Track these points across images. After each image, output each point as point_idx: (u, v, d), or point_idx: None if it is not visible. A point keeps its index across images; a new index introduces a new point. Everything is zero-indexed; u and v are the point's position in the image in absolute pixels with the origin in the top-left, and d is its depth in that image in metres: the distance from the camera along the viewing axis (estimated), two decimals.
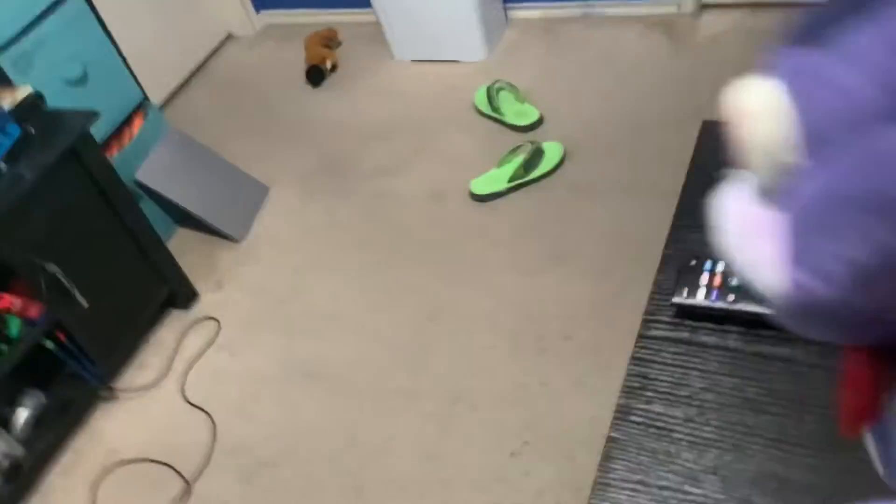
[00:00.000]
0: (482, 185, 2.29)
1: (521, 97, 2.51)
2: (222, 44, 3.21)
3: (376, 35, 2.88)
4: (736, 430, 0.68)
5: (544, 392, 1.81)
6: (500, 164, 2.31)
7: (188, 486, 1.84)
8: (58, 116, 1.88)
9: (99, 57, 2.15)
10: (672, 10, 2.67)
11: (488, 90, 2.51)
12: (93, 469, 1.93)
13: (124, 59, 2.23)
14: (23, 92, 1.88)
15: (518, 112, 2.48)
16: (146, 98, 2.33)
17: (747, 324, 0.74)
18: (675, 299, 0.76)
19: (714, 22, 2.63)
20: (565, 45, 2.75)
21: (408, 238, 2.26)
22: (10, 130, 1.78)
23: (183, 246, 2.37)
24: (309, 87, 2.85)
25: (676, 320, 0.77)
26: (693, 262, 0.78)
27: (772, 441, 0.66)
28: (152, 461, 1.91)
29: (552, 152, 2.30)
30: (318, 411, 1.92)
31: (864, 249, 0.34)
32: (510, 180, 2.26)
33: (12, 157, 1.77)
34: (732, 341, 0.74)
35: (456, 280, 2.11)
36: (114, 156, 2.20)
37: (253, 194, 2.46)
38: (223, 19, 3.17)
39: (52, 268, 1.82)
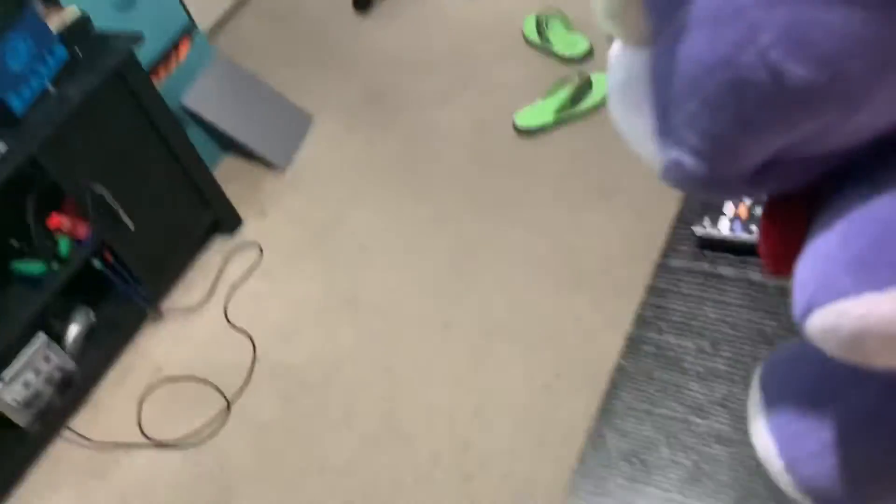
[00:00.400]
0: (527, 118, 2.24)
1: (571, 26, 2.43)
2: None
3: None
4: (748, 364, 0.66)
5: (579, 327, 1.80)
6: (547, 95, 2.25)
7: (228, 403, 1.90)
8: (104, 39, 1.90)
9: None
10: None
11: (538, 19, 2.44)
12: (139, 384, 2.01)
13: None
14: (70, 14, 1.89)
15: (568, 42, 2.40)
16: (193, 24, 2.33)
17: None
18: (697, 229, 0.73)
19: None
20: None
21: (450, 170, 2.24)
22: (58, 53, 1.81)
23: (228, 173, 2.40)
24: (357, 14, 2.81)
25: (697, 251, 0.74)
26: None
27: None
28: (195, 379, 1.98)
29: (601, 84, 2.24)
30: (355, 339, 1.96)
31: (722, 122, 0.33)
32: (557, 112, 2.21)
33: (60, 79, 1.80)
34: (753, 274, 0.71)
35: (496, 214, 2.09)
36: (161, 81, 2.22)
37: (297, 123, 2.46)
38: None
39: (100, 189, 1.86)
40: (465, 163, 2.24)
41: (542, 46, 2.44)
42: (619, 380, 0.68)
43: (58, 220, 1.89)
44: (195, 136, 2.30)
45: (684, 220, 0.76)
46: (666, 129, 0.36)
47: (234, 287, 2.15)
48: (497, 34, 2.57)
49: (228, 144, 2.41)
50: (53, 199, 1.89)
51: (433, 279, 2.01)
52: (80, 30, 1.88)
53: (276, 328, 2.04)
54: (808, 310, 0.37)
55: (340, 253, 2.15)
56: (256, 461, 1.81)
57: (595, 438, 0.65)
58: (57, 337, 1.96)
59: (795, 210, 0.40)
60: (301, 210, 2.29)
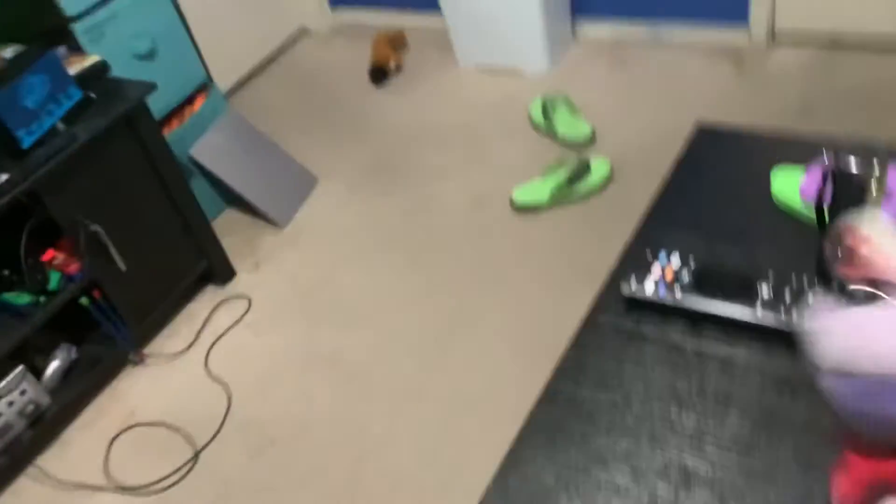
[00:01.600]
0: (524, 195, 2.27)
1: (575, 112, 2.49)
2: (295, 37, 3.30)
3: (443, 40, 2.91)
4: (656, 421, 0.65)
5: None
6: (545, 175, 2.29)
7: (196, 454, 1.88)
8: (119, 85, 1.97)
9: (168, 35, 2.25)
10: (742, 39, 2.61)
11: (544, 102, 2.50)
12: (110, 427, 2.00)
13: (193, 41, 2.33)
14: (90, 60, 1.98)
15: (571, 126, 2.46)
16: (210, 79, 2.42)
17: (692, 319, 0.72)
18: (624, 290, 0.74)
19: (785, 56, 2.55)
20: (628, 66, 2.72)
21: (444, 242, 2.27)
22: (72, 93, 1.88)
23: (229, 225, 2.45)
24: (372, 87, 2.90)
25: (624, 310, 0.75)
26: (648, 254, 0.76)
27: (688, 437, 0.64)
28: (167, 426, 1.97)
29: (599, 169, 2.27)
30: (330, 399, 1.94)
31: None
32: (553, 192, 2.24)
33: (71, 118, 1.87)
34: (675, 335, 0.71)
35: (483, 288, 2.10)
36: (172, 130, 2.29)
37: (302, 183, 2.52)
38: (299, 13, 3.27)
39: (95, 227, 1.90)
40: (460, 236, 2.27)
41: (547, 129, 2.50)
42: (529, 428, 0.67)
43: (52, 254, 1.92)
44: (200, 186, 2.36)
45: (616, 280, 0.76)
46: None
47: (217, 337, 2.15)
48: (504, 114, 2.64)
49: (232, 198, 2.46)
50: (54, 234, 1.93)
51: (414, 347, 2.00)
52: (97, 74, 1.96)
53: (253, 381, 2.03)
54: None
55: (327, 313, 2.16)
56: None
57: (498, 483, 0.64)
58: (37, 371, 1.97)
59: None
60: (294, 267, 2.31)
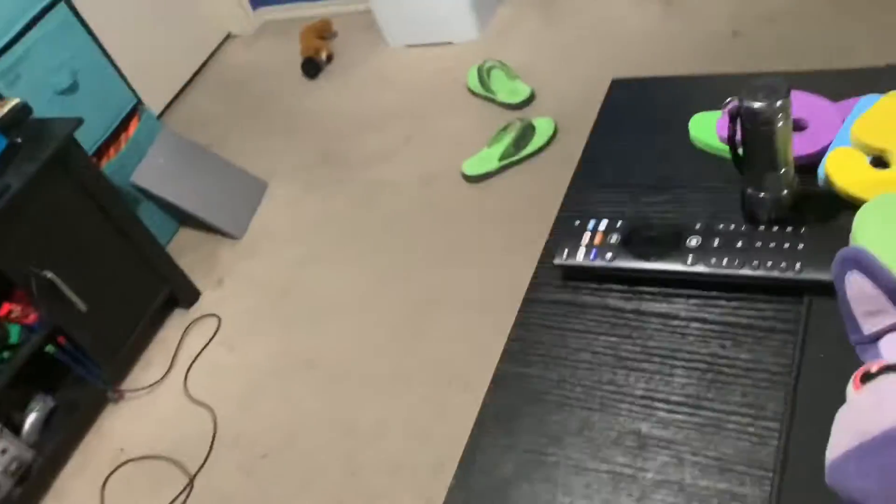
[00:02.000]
0: (474, 166, 2.26)
1: (512, 74, 2.47)
2: (222, 44, 3.24)
3: (370, 23, 2.87)
4: (605, 389, 0.65)
5: None
6: (491, 143, 2.28)
7: (191, 480, 1.87)
8: (44, 125, 1.92)
9: (88, 65, 2.19)
10: None
11: (479, 70, 2.48)
12: (101, 468, 1.98)
13: (115, 66, 2.27)
14: (10, 104, 1.92)
15: (510, 90, 2.44)
16: (140, 101, 2.37)
17: (628, 281, 0.71)
18: (556, 260, 0.73)
19: None
20: (557, 18, 2.69)
21: (402, 224, 2.25)
22: None
23: (185, 245, 2.41)
24: (306, 80, 2.86)
25: (562, 282, 0.74)
26: (577, 222, 0.75)
27: (638, 398, 0.64)
28: (158, 457, 1.95)
29: (543, 128, 2.26)
30: (316, 401, 1.93)
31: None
32: (501, 159, 2.23)
33: (0, 168, 1.82)
34: (612, 300, 0.71)
35: (449, 262, 2.09)
36: (111, 160, 2.25)
37: (251, 190, 2.49)
38: (221, 20, 3.20)
39: (47, 273, 1.86)
40: (417, 215, 2.25)
41: (486, 96, 2.48)
42: (484, 418, 0.67)
43: (8, 308, 1.88)
44: (149, 211, 2.32)
45: (550, 252, 0.76)
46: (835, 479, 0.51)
47: (192, 360, 2.13)
48: (442, 88, 2.61)
49: (183, 217, 2.43)
50: (6, 287, 1.89)
51: (391, 332, 2.00)
52: (20, 118, 1.90)
53: (236, 398, 2.02)
54: None
55: (298, 315, 2.14)
56: None
57: (459, 480, 0.64)
58: (15, 426, 1.94)
59: None
60: (258, 276, 2.29)
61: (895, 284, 0.58)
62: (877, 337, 0.59)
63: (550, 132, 2.26)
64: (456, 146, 2.37)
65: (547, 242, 0.77)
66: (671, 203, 0.78)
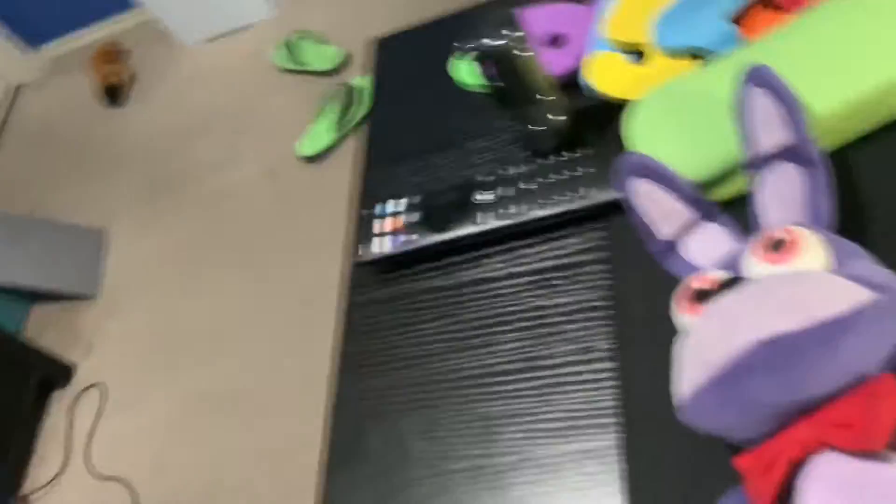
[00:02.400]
0: (308, 146, 2.17)
1: (320, 40, 2.37)
2: (14, 99, 2.98)
3: (160, 30, 2.68)
4: (443, 379, 0.61)
5: None
6: (318, 117, 2.19)
7: None
8: None
9: None
10: None
11: (286, 45, 2.37)
12: None
13: None
14: None
15: (322, 57, 2.34)
16: None
17: (439, 257, 0.67)
18: (362, 257, 0.68)
19: None
20: None
21: (255, 228, 2.15)
22: None
23: (42, 322, 2.24)
24: (112, 109, 2.66)
25: (377, 276, 0.69)
26: (371, 211, 0.70)
27: (476, 378, 0.60)
28: None
29: (366, 87, 2.18)
30: (230, 435, 1.85)
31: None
32: (335, 131, 2.14)
33: None
34: (431, 281, 0.66)
35: (312, 253, 2.01)
36: None
37: (91, 244, 2.32)
38: (4, 74, 2.93)
39: None
40: (267, 214, 2.16)
41: (300, 69, 2.37)
42: (336, 456, 0.62)
43: None
44: None
45: (354, 248, 0.70)
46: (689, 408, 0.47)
47: (88, 438, 2.00)
48: (253, 74, 2.48)
49: (29, 294, 2.25)
50: None
51: (277, 340, 1.92)
52: None
53: (147, 460, 1.91)
54: None
55: (180, 356, 2.04)
56: None
57: None
58: None
59: None
60: (127, 330, 2.15)
61: (678, 182, 0.55)
62: (675, 241, 0.56)
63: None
64: (286, 129, 2.27)
65: (347, 241, 0.71)
66: (459, 160, 0.73)
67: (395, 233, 0.67)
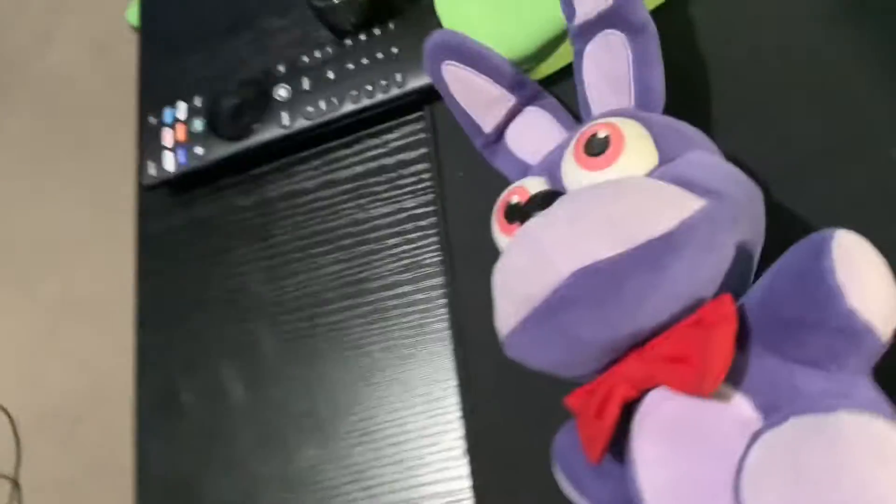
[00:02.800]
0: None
1: None
2: None
3: None
4: (259, 314, 0.54)
5: None
6: None
7: None
8: None
9: None
10: None
11: None
12: None
13: None
14: None
15: None
16: None
17: (238, 169, 0.57)
18: (147, 180, 0.57)
19: None
20: None
21: (88, 113, 1.94)
22: None
23: None
24: None
25: (175, 201, 0.59)
26: (153, 121, 0.59)
27: (296, 311, 0.53)
28: None
29: None
30: (95, 342, 1.75)
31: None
32: None
33: None
34: (232, 200, 0.57)
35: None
36: None
37: None
38: None
39: None
40: (100, 93, 1.94)
41: None
42: (146, 419, 0.54)
43: None
44: None
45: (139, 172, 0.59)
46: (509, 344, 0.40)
47: None
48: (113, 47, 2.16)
49: None
50: None
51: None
52: None
53: (14, 379, 1.79)
54: None
55: (32, 264, 1.87)
56: None
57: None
58: None
59: None
60: None
61: (494, 61, 0.46)
62: (501, 132, 0.48)
63: None
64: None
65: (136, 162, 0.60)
66: (253, 45, 0.61)
67: (183, 144, 0.56)
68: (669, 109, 0.41)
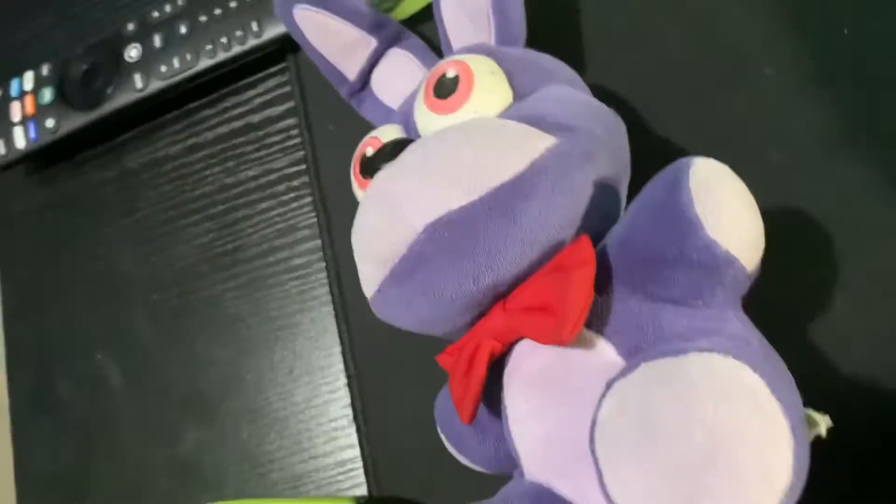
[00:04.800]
0: None
1: None
2: None
3: None
4: (132, 295, 0.50)
5: None
6: None
7: None
8: None
9: None
10: None
11: None
12: None
13: None
14: None
15: None
16: None
17: (98, 140, 0.53)
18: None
19: None
20: None
21: None
22: None
23: None
24: None
25: (33, 179, 0.54)
26: None
27: (170, 287, 0.49)
28: None
29: None
30: None
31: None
32: None
33: None
34: (92, 174, 0.53)
35: None
36: None
37: None
38: None
39: None
40: None
41: None
42: (20, 417, 0.50)
43: None
44: None
45: None
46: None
47: None
48: None
49: None
50: None
51: None
52: None
53: None
54: None
55: None
56: None
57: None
58: None
59: None
60: None
61: (352, 2, 0.43)
62: (366, 79, 0.45)
63: None
64: None
65: None
66: (103, 4, 0.56)
67: (32, 118, 0.52)
68: (540, 44, 0.39)
